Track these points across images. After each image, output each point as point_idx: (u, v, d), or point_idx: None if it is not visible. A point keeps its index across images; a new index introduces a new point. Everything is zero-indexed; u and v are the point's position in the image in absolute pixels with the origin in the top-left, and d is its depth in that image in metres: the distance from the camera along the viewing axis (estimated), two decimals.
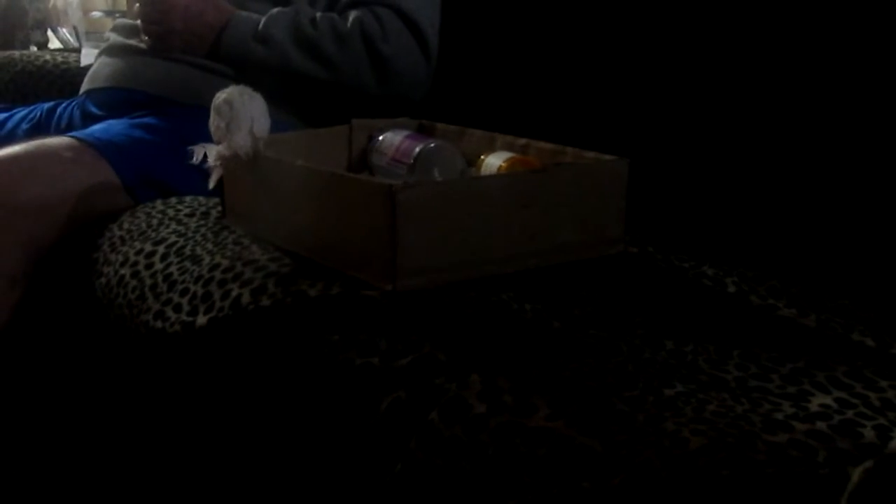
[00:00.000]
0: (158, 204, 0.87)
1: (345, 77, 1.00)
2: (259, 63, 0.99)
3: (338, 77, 1.00)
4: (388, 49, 0.99)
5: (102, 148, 0.90)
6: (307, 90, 1.01)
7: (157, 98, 1.03)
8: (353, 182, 0.68)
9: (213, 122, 0.77)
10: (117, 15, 1.47)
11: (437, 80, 1.04)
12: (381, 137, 0.87)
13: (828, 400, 0.52)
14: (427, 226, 0.64)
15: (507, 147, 0.83)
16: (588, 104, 0.97)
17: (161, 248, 0.77)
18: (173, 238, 0.78)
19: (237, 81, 0.78)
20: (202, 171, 0.80)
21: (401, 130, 0.88)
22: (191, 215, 0.84)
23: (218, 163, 0.77)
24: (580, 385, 0.50)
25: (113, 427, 0.83)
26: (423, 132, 0.90)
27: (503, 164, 0.79)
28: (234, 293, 0.67)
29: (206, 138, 0.77)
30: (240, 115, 0.75)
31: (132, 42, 1.06)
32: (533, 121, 0.89)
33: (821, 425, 0.48)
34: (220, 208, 0.83)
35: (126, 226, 0.84)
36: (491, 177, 0.76)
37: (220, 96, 0.77)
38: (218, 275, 0.69)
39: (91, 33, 1.60)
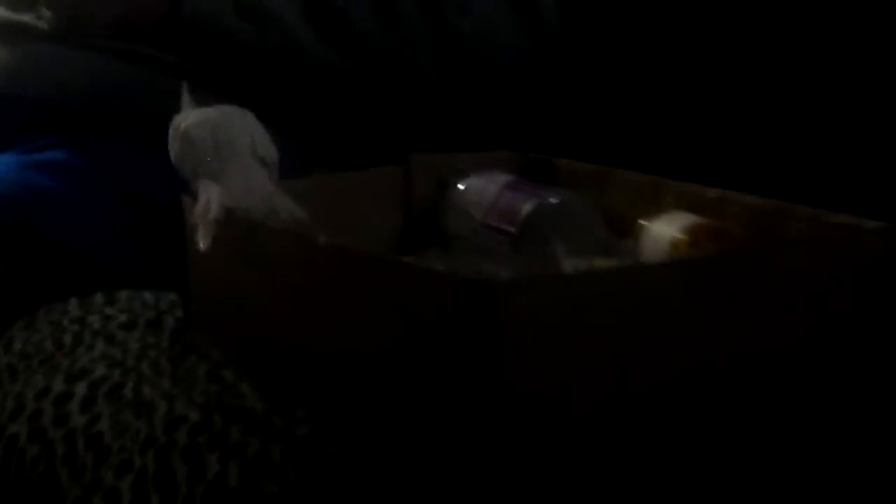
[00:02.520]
0: (74, 306, 0.76)
1: (390, 72, 0.89)
2: (243, 51, 0.87)
3: (377, 72, 0.88)
4: (469, 24, 0.89)
5: None
6: (319, 96, 0.90)
7: (70, 114, 0.88)
8: (414, 273, 0.58)
9: (187, 153, 0.67)
10: None
11: (559, 82, 0.95)
12: (462, 186, 0.77)
13: None
14: (552, 353, 0.56)
15: (686, 203, 0.74)
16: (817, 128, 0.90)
17: (81, 388, 0.65)
18: (101, 369, 0.66)
19: (201, 86, 0.70)
20: (148, 244, 0.69)
21: (496, 175, 0.78)
22: (130, 326, 0.72)
23: (212, 217, 0.66)
24: None
25: None
26: (533, 176, 0.80)
27: (681, 237, 0.70)
28: (211, 470, 0.58)
29: (157, 186, 0.67)
30: (234, 138, 0.67)
31: (24, 19, 0.93)
32: (724, 157, 0.84)
33: None
34: (180, 312, 0.73)
35: (18, 346, 0.74)
36: (663, 263, 0.67)
37: (187, 120, 0.67)
38: (182, 437, 0.58)
39: None
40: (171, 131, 0.69)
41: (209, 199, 0.68)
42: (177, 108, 0.70)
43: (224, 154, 0.69)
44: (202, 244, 0.68)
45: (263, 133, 0.70)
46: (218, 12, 0.88)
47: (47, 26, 0.92)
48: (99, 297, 0.76)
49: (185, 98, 0.69)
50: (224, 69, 0.90)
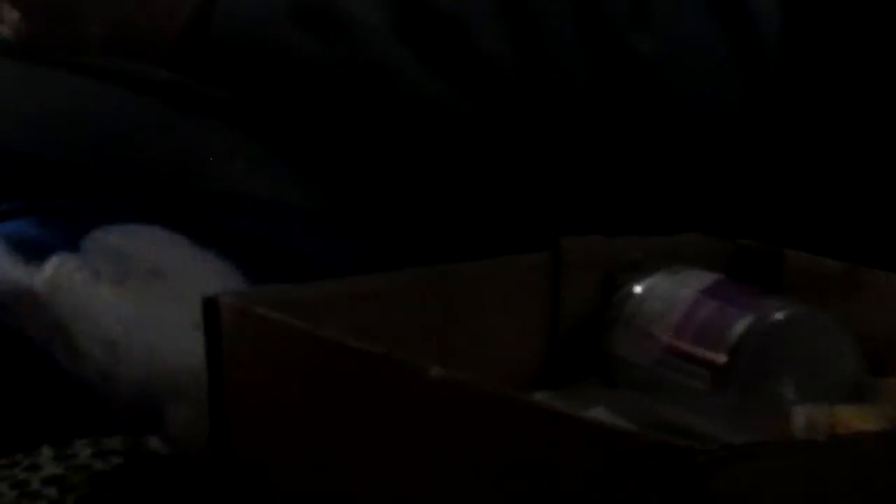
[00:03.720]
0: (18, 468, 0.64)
1: (525, 112, 0.76)
2: (300, 73, 0.74)
3: (505, 112, 0.76)
4: (649, 42, 0.76)
5: None
6: (414, 147, 0.76)
7: (41, 168, 0.76)
8: (571, 426, 0.48)
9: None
10: None
11: (779, 134, 0.82)
12: (639, 288, 0.65)
13: None
14: None
15: None
16: None
17: None
18: None
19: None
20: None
21: (690, 273, 0.66)
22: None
23: None
24: None
25: None
26: (744, 276, 0.69)
27: None
28: None
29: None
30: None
31: None
32: None
33: None
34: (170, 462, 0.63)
35: None
36: None
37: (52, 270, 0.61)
38: None
39: None
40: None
41: None
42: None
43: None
44: None
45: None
46: (265, 18, 0.77)
47: (12, 34, 0.79)
48: (43, 454, 0.65)
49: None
50: (270, 102, 0.76)
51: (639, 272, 0.67)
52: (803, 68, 0.85)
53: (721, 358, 0.60)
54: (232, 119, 0.75)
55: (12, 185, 0.77)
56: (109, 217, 0.72)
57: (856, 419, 0.56)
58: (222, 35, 0.76)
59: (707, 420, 0.53)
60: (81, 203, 0.77)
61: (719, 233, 0.72)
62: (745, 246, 0.72)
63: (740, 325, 0.60)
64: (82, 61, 0.79)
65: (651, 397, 0.58)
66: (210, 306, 0.56)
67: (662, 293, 0.65)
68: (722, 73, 0.80)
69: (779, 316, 0.61)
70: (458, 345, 0.58)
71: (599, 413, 0.54)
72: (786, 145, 0.88)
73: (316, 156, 0.70)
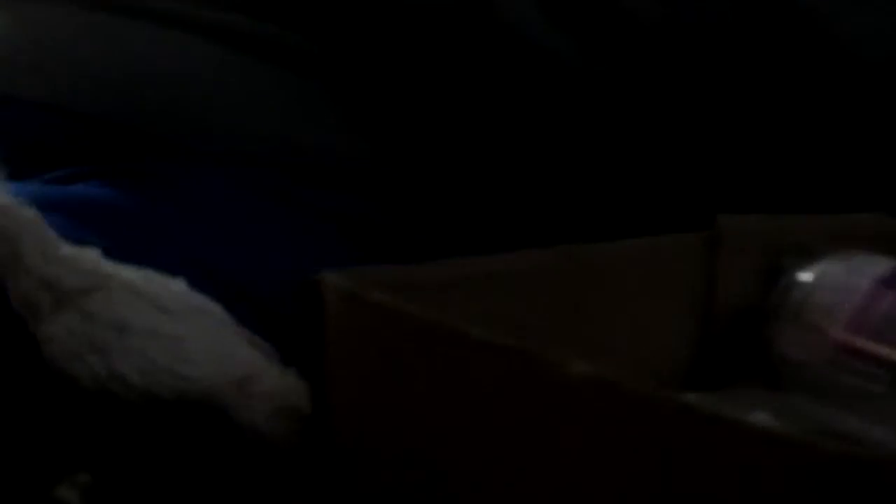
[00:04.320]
0: None
1: (659, 72, 0.70)
2: (409, 25, 0.69)
3: (639, 72, 0.70)
4: (849, 27, 0.70)
5: None
6: (532, 108, 0.71)
7: (111, 130, 0.71)
8: (731, 430, 0.45)
9: None
10: None
11: None
12: (806, 277, 0.59)
13: None
14: None
15: None
16: None
17: None
18: None
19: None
20: None
21: (866, 260, 0.60)
22: None
23: None
24: None
25: None
26: None
27: None
28: None
29: (242, 252, 0.61)
30: None
31: None
32: None
33: None
34: None
35: None
36: None
37: None
38: None
39: None
40: None
41: None
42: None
43: None
44: None
45: None
46: None
47: None
48: None
49: None
50: (377, 60, 0.69)
51: (806, 257, 0.61)
52: None
53: None
54: (332, 82, 0.68)
55: (81, 151, 0.72)
56: (184, 185, 0.69)
57: None
58: None
59: (888, 429, 0.49)
60: (154, 168, 0.72)
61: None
62: None
63: None
64: (160, 7, 0.72)
65: (820, 402, 0.54)
66: (312, 288, 0.55)
67: (834, 282, 0.59)
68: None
69: None
70: (594, 335, 0.53)
71: (761, 419, 0.51)
72: None
73: (418, 123, 0.64)
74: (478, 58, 0.72)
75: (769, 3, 0.71)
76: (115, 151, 0.72)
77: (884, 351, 0.56)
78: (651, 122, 0.73)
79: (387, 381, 0.51)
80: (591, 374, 0.46)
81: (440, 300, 0.50)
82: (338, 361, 0.53)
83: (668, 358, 0.59)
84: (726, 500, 0.45)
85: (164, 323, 0.57)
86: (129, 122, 0.72)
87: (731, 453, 0.44)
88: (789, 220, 0.63)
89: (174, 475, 0.58)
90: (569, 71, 0.71)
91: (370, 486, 0.55)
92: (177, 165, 0.71)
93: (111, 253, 0.61)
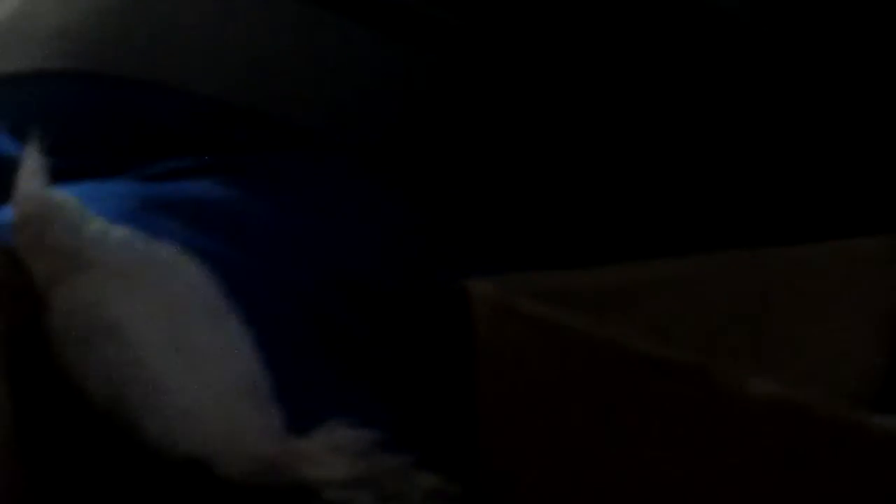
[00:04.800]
0: None
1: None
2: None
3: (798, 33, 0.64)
4: None
5: None
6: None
7: (234, 115, 0.63)
8: None
9: None
10: None
11: None
12: None
13: None
14: None
15: None
16: None
17: None
18: None
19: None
20: (364, 365, 0.53)
21: None
22: None
23: None
24: None
25: None
26: None
27: None
28: None
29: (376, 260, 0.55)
30: None
31: None
32: None
33: None
34: None
35: None
36: None
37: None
38: None
39: None
40: None
41: None
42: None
43: None
44: None
45: None
46: None
47: None
48: None
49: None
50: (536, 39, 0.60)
51: None
52: None
53: None
54: (469, 58, 0.60)
55: (192, 139, 0.64)
56: (315, 180, 0.62)
57: None
58: None
59: None
60: (280, 161, 0.65)
61: None
62: None
63: None
64: None
65: None
66: (460, 297, 0.50)
67: None
68: None
69: None
70: (773, 349, 0.48)
71: None
72: None
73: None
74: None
75: None
76: (232, 140, 0.65)
77: None
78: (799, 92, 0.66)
79: (544, 400, 0.47)
80: (774, 394, 0.41)
81: (601, 311, 0.45)
82: (488, 378, 0.50)
83: (855, 375, 0.54)
84: None
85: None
86: (252, 105, 0.64)
87: None
88: None
89: None
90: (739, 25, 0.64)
91: None
92: (303, 159, 0.64)
93: (239, 267, 0.56)
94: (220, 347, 0.50)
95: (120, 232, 0.51)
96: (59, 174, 0.51)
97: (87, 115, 0.64)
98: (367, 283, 0.59)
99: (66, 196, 0.49)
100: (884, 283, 0.53)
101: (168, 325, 0.49)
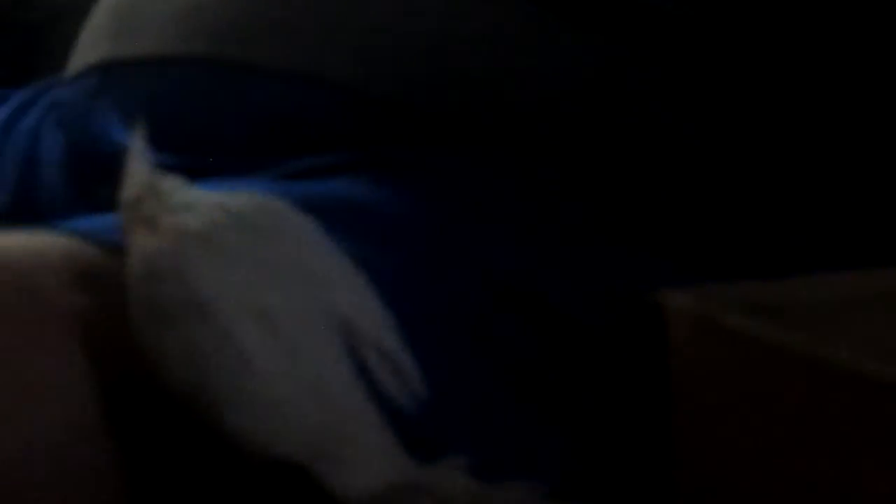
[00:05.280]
0: None
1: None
2: None
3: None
4: None
5: None
6: None
7: (377, 106, 0.56)
8: None
9: None
10: None
11: None
12: None
13: None
14: None
15: None
16: None
17: None
18: None
19: None
20: (531, 382, 0.46)
21: None
22: None
23: None
24: None
25: None
26: None
27: None
28: None
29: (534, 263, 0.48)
30: None
31: None
32: None
33: None
34: None
35: None
36: None
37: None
38: None
39: None
40: None
41: None
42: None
43: None
44: None
45: None
46: None
47: None
48: None
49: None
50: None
51: None
52: None
53: None
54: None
55: (333, 134, 0.57)
56: (475, 178, 0.55)
57: None
58: None
59: None
60: (433, 156, 0.57)
61: None
62: None
63: None
64: None
65: None
66: (654, 311, 0.47)
67: None
68: None
69: None
70: None
71: None
72: None
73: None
74: None
75: None
76: (378, 135, 0.57)
77: None
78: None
79: (746, 420, 0.44)
80: None
81: (809, 326, 0.42)
82: (684, 396, 0.46)
83: None
84: None
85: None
86: (395, 96, 0.57)
87: None
88: None
89: None
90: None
91: None
92: (460, 154, 0.57)
93: (392, 274, 0.50)
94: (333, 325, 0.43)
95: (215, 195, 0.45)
96: (191, 173, 0.48)
97: (212, 106, 0.59)
98: (541, 298, 0.52)
99: (173, 178, 0.45)
100: None
101: (266, 298, 0.43)
